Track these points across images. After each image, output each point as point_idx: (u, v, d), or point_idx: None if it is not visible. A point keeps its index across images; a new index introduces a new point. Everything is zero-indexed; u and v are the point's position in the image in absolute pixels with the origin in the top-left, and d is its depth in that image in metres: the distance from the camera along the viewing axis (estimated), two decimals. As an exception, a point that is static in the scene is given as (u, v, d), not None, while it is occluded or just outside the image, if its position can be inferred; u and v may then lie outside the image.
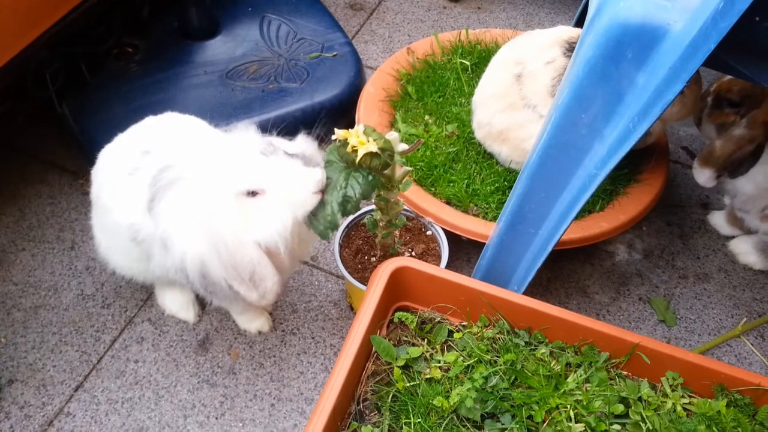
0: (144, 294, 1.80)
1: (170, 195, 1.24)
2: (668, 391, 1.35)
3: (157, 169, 1.29)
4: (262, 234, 1.26)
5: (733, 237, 2.00)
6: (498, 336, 1.41)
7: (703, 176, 1.73)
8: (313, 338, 1.74)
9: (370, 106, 2.07)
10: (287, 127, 1.92)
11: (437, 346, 1.40)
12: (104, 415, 1.59)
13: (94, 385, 1.64)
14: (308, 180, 1.26)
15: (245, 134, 1.32)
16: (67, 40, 1.92)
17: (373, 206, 1.55)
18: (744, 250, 1.95)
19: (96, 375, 1.66)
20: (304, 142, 1.38)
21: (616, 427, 1.27)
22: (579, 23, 1.95)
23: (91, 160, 1.56)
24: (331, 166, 1.34)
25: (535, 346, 1.40)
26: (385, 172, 1.38)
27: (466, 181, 1.89)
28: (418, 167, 1.92)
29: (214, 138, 1.37)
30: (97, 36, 2.10)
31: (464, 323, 1.46)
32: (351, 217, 1.70)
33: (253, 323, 1.72)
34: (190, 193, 1.24)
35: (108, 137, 1.54)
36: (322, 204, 1.30)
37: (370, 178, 1.33)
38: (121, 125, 1.54)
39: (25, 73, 1.87)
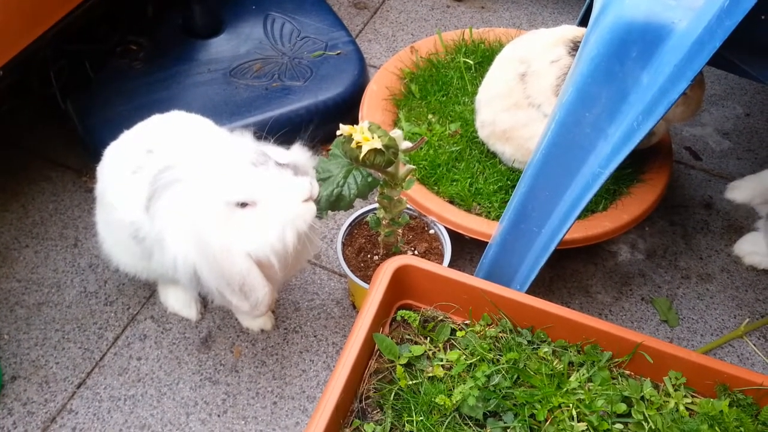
0: (147, 291, 1.80)
1: (167, 196, 1.25)
2: (671, 390, 1.35)
3: (158, 169, 1.29)
4: (252, 245, 1.26)
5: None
6: (501, 335, 1.41)
7: None
8: (315, 336, 1.74)
9: (373, 105, 2.07)
10: (291, 126, 1.93)
11: (440, 345, 1.40)
12: (107, 412, 1.59)
13: (96, 382, 1.64)
14: (297, 190, 1.26)
15: (238, 142, 1.32)
16: (71, 38, 1.93)
17: (376, 204, 1.55)
18: (751, 250, 1.94)
19: (99, 372, 1.66)
20: (298, 152, 1.37)
21: (619, 426, 1.27)
22: (583, 23, 1.96)
23: (94, 158, 1.56)
24: (334, 160, 1.34)
25: (537, 345, 1.40)
26: (389, 169, 1.38)
27: (469, 180, 1.88)
28: (421, 166, 1.91)
29: (214, 140, 1.36)
30: (101, 34, 2.10)
31: (467, 322, 1.45)
32: (354, 216, 1.70)
33: (255, 321, 1.72)
34: (183, 197, 1.24)
35: (111, 135, 1.54)
36: None
37: (370, 179, 1.33)
38: (125, 123, 1.55)
39: (29, 71, 1.87)
